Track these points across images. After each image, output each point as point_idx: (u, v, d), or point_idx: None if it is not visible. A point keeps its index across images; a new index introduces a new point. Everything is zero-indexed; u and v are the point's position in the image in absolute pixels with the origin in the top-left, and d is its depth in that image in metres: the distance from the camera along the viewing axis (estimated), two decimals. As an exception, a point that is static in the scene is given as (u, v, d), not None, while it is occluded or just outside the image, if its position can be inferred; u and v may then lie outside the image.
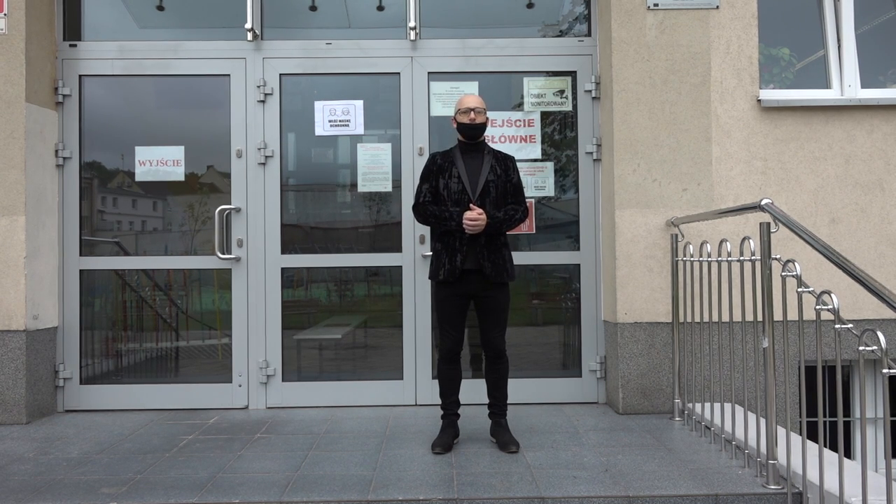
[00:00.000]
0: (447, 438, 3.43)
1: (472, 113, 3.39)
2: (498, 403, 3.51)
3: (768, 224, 2.86)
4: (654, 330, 4.08)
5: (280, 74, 4.43)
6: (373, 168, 4.42)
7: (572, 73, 4.48)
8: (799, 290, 2.65)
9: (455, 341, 3.43)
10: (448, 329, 3.43)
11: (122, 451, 3.44)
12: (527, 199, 3.41)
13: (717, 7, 4.14)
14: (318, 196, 4.49)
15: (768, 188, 4.15)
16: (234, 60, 4.42)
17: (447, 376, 3.48)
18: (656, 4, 4.13)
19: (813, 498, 2.65)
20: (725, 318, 3.92)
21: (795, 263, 2.70)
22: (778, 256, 2.87)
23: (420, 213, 3.49)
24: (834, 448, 3.97)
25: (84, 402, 4.34)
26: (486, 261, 3.37)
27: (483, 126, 3.44)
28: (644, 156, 4.12)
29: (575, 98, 4.47)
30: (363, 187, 4.45)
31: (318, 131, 4.46)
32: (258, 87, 4.39)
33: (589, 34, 4.51)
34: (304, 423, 3.96)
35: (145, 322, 4.46)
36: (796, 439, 3.19)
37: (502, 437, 3.43)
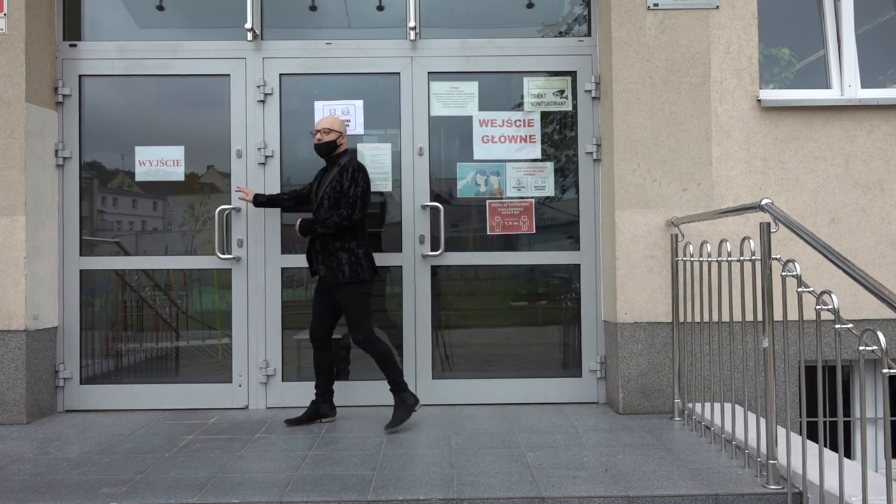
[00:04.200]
0: (305, 413, 3.96)
1: (318, 133, 3.79)
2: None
3: (768, 224, 2.86)
4: (655, 330, 4.08)
5: (280, 74, 4.43)
6: (373, 168, 4.41)
7: (572, 73, 4.47)
8: (799, 290, 2.65)
9: (314, 328, 3.90)
10: (313, 317, 3.92)
11: (122, 451, 3.44)
12: (351, 209, 3.71)
13: (717, 7, 4.14)
14: (318, 196, 4.48)
15: (768, 188, 4.15)
16: (234, 60, 4.42)
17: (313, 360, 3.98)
18: (656, 4, 4.13)
19: (813, 498, 2.65)
20: (725, 318, 3.92)
21: (795, 263, 2.70)
22: (778, 256, 2.86)
23: None
24: (834, 448, 3.97)
25: (84, 402, 4.34)
26: (321, 264, 3.76)
27: (327, 145, 3.78)
28: (644, 156, 4.12)
29: (575, 98, 4.47)
30: (363, 187, 4.44)
31: (318, 131, 4.46)
32: (258, 87, 4.39)
33: (589, 34, 4.51)
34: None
35: (145, 322, 4.46)
36: (796, 439, 3.19)
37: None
